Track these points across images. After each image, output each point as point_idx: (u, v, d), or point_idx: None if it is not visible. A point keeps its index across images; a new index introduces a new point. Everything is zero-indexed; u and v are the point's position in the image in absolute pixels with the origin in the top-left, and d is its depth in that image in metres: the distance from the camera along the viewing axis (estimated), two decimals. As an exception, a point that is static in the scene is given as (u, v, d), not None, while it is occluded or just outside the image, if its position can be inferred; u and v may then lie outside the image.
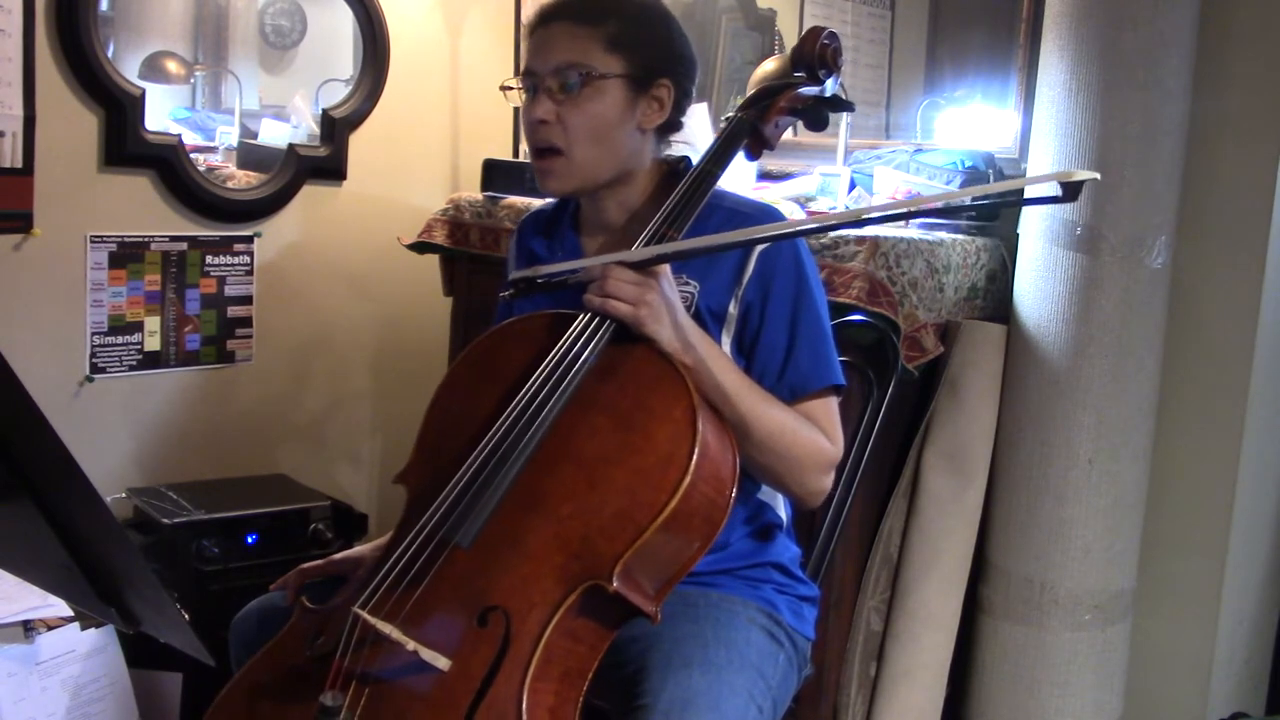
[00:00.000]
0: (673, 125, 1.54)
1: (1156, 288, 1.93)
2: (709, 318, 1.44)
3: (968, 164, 2.15)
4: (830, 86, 1.57)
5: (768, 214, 1.52)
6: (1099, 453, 1.92)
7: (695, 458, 1.23)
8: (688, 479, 1.22)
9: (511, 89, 1.53)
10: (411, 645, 1.17)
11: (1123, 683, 2.05)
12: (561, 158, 1.46)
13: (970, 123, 2.33)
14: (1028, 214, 2.00)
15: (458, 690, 1.18)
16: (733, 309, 1.45)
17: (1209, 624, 2.09)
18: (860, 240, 1.90)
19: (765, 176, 2.39)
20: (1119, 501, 1.95)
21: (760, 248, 1.44)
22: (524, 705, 1.17)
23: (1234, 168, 2.01)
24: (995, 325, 2.02)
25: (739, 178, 2.25)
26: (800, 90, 1.54)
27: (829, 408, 1.46)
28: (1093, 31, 1.87)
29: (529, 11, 2.93)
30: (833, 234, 1.91)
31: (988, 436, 2.02)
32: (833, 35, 1.54)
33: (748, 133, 1.52)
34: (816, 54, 1.52)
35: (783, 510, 1.60)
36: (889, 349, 1.85)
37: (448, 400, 1.45)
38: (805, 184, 2.28)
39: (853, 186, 2.22)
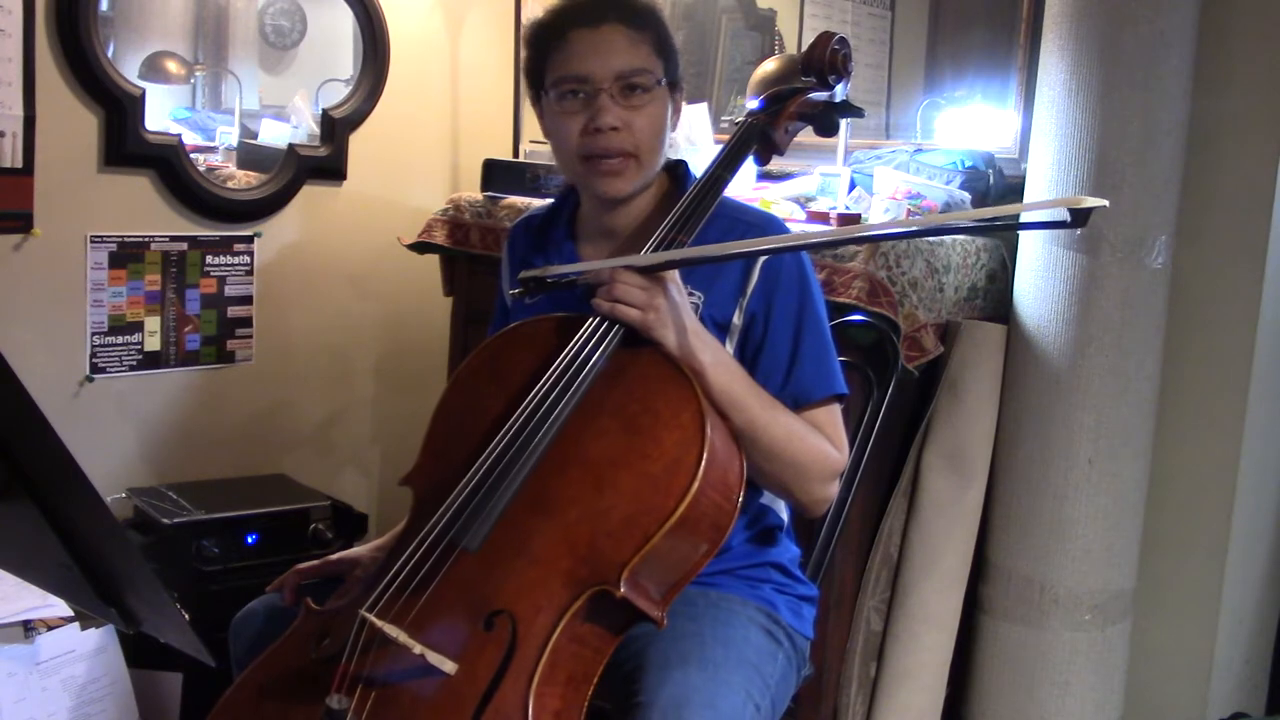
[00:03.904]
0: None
1: (1156, 288, 1.93)
2: (713, 327, 1.44)
3: (968, 164, 2.15)
4: (840, 92, 1.57)
5: (771, 223, 1.52)
6: (1099, 453, 1.92)
7: (704, 464, 1.23)
8: (696, 484, 1.22)
9: (555, 94, 1.46)
10: (418, 649, 1.17)
11: (1123, 683, 2.05)
12: (633, 159, 1.45)
13: (970, 123, 2.33)
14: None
15: (463, 694, 1.18)
16: (737, 319, 1.45)
17: (1209, 624, 2.09)
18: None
19: (765, 176, 2.39)
20: (1119, 501, 1.95)
21: (764, 259, 1.44)
22: (530, 709, 1.16)
23: (1234, 168, 2.01)
24: (995, 325, 2.02)
25: (739, 178, 2.24)
26: (811, 96, 1.54)
27: (833, 416, 1.46)
28: (1093, 31, 1.87)
29: (529, 11, 2.93)
30: (833, 234, 1.91)
31: (988, 436, 2.02)
32: (843, 40, 1.53)
33: (758, 138, 1.51)
34: (827, 60, 1.51)
35: (784, 512, 1.60)
36: (889, 349, 1.85)
37: (455, 403, 1.44)
38: (805, 184, 2.27)
39: (853, 186, 2.22)
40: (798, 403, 1.43)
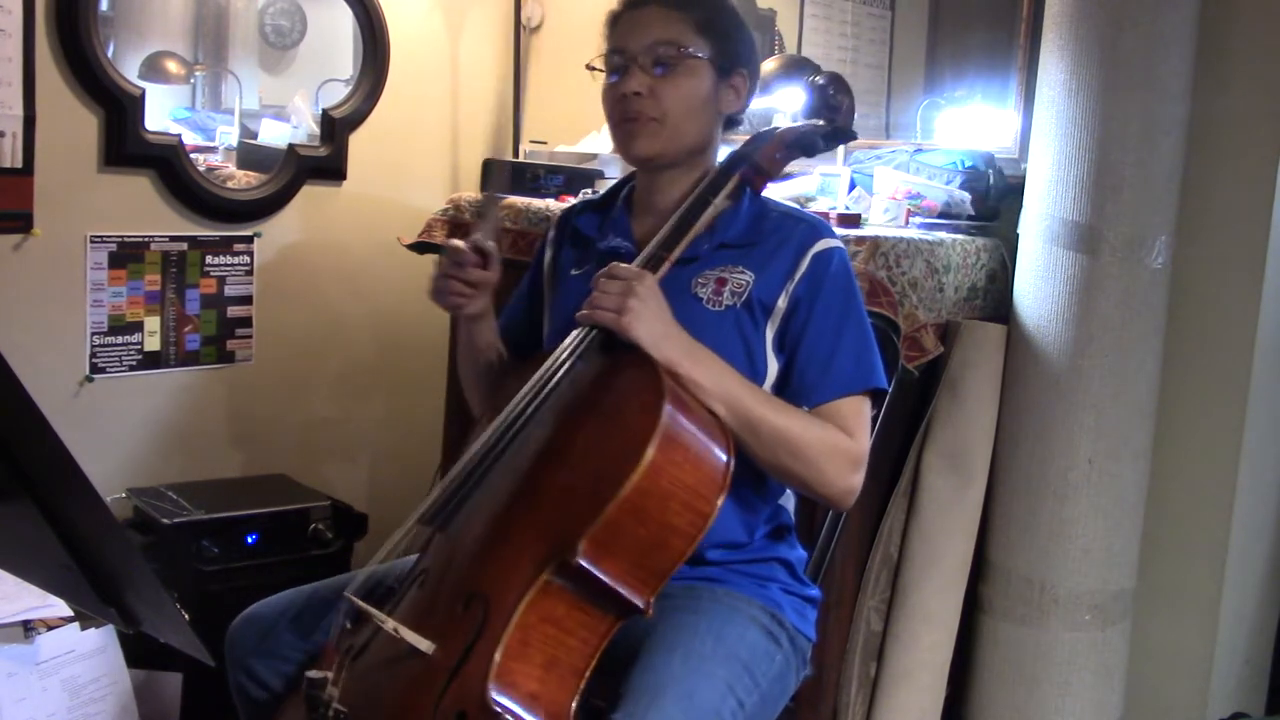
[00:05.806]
0: (736, 120, 1.61)
1: (1156, 288, 1.93)
2: (759, 308, 1.48)
3: (968, 164, 2.15)
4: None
5: (819, 223, 1.58)
6: (1099, 453, 1.92)
7: (658, 436, 1.25)
8: (649, 452, 1.24)
9: (596, 69, 1.58)
10: (391, 625, 1.24)
11: (1123, 683, 2.05)
12: (654, 122, 1.51)
13: (970, 123, 2.33)
14: (1028, 214, 2.00)
15: (436, 670, 1.23)
16: (781, 302, 1.49)
17: (1209, 624, 2.09)
18: (860, 240, 1.90)
19: (765, 176, 2.39)
20: (1119, 501, 1.95)
21: (814, 251, 1.49)
22: (491, 680, 1.18)
23: (1234, 168, 2.01)
24: (995, 325, 2.02)
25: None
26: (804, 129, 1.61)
27: (859, 407, 1.47)
28: (1093, 31, 1.87)
29: (529, 11, 2.94)
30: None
31: (988, 436, 2.02)
32: (836, 77, 1.65)
33: (746, 164, 1.56)
34: (825, 103, 1.63)
35: (792, 514, 1.61)
36: (889, 349, 1.85)
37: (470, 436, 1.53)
38: (805, 184, 2.28)
39: (852, 186, 2.23)
40: (835, 390, 1.46)
